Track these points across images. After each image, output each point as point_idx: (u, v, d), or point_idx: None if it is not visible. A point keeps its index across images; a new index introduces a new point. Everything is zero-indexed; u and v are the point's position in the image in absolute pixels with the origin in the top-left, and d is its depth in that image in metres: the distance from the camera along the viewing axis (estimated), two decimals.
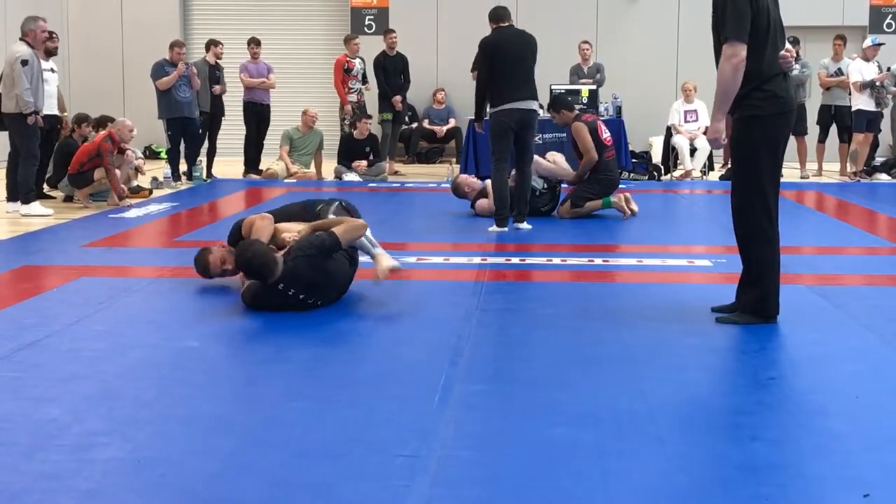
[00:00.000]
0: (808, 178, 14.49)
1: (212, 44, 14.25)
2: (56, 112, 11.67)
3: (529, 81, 9.23)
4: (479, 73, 9.43)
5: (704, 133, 13.61)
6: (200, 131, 13.74)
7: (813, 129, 14.84)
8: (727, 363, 5.09)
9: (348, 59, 14.78)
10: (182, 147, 13.47)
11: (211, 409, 4.13)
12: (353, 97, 14.73)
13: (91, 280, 6.80)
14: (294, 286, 5.72)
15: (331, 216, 6.45)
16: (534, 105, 9.25)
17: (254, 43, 14.79)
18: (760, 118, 5.42)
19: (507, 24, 9.43)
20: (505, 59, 9.14)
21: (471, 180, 10.69)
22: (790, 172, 14.42)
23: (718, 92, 5.40)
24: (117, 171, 11.13)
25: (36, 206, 10.33)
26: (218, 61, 14.20)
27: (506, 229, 9.12)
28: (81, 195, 11.03)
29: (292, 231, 6.30)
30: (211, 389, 4.49)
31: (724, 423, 3.98)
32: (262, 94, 14.67)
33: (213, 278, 6.50)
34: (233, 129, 14.99)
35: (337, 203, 6.71)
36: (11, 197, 10.57)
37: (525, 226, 9.31)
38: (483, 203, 10.11)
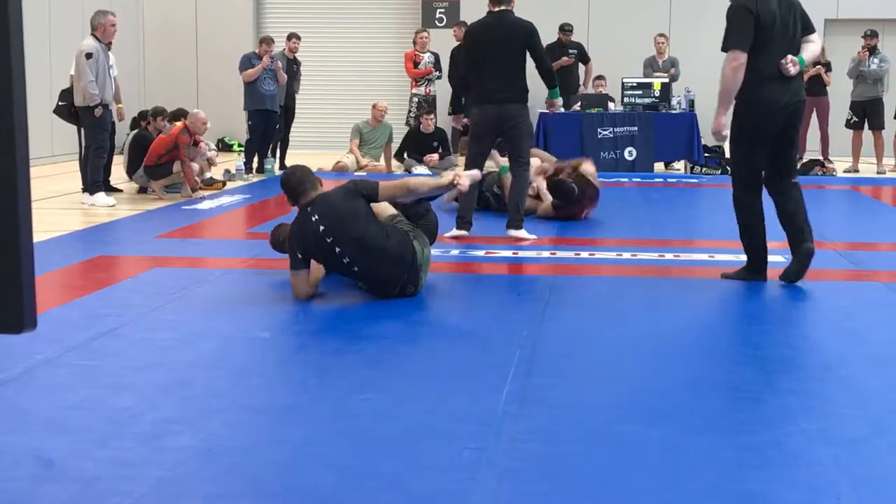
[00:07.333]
0: (884, 173, 14.19)
1: (287, 38, 14.36)
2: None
3: (510, 82, 8.12)
4: (458, 67, 8.29)
5: None
6: (278, 126, 13.87)
7: (890, 124, 14.56)
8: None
9: (416, 52, 14.80)
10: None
11: (282, 399, 4.18)
12: (420, 90, 14.75)
13: (164, 270, 6.90)
14: (319, 210, 5.85)
15: None
16: (512, 109, 8.13)
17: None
18: (740, 114, 6.17)
19: (499, 8, 8.23)
20: (483, 53, 8.15)
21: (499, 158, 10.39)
22: (866, 167, 14.18)
23: (720, 91, 6.17)
24: (193, 164, 11.28)
25: (101, 197, 10.49)
26: (295, 55, 14.29)
27: (465, 233, 8.25)
28: (157, 186, 11.17)
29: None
30: (282, 380, 4.55)
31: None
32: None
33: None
34: (303, 123, 15.08)
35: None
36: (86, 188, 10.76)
37: (517, 234, 8.21)
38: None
